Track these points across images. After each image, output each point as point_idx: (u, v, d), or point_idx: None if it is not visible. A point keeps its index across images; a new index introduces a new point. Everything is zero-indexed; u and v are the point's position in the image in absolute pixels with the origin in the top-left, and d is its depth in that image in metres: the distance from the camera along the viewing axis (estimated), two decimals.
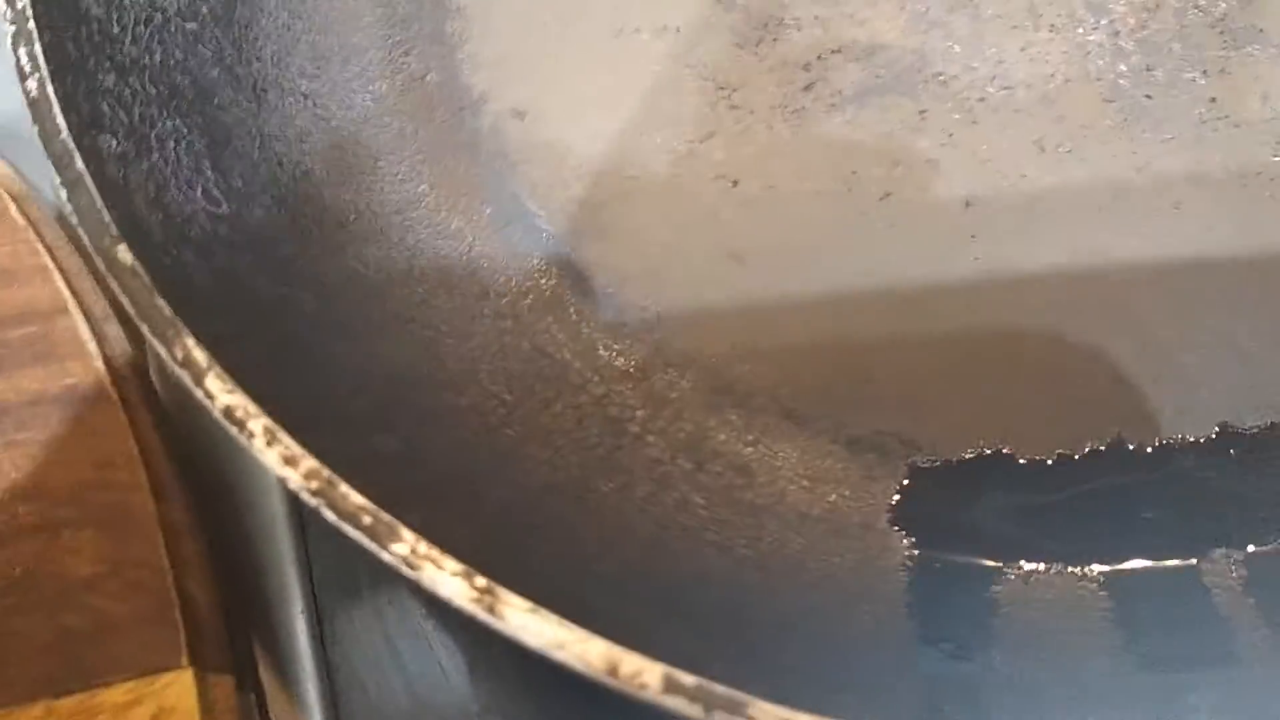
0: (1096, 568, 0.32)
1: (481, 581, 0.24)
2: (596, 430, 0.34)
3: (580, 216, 0.37)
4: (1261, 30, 0.36)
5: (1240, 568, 0.32)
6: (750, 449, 0.35)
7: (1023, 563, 0.32)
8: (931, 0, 0.37)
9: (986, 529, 0.33)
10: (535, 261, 0.37)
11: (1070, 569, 0.32)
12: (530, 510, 0.31)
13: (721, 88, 0.37)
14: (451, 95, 0.38)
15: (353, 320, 0.34)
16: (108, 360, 0.33)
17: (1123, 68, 0.36)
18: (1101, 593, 0.32)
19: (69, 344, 0.33)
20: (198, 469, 0.36)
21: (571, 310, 0.36)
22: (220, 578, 0.33)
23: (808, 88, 0.37)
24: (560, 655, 0.23)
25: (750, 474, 0.34)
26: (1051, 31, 0.36)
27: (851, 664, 0.30)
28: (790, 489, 0.34)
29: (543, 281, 0.37)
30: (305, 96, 0.37)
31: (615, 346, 0.36)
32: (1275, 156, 0.35)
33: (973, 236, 0.35)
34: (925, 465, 0.34)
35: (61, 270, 0.34)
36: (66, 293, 0.33)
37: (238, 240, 0.33)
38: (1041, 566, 0.32)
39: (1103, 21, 0.36)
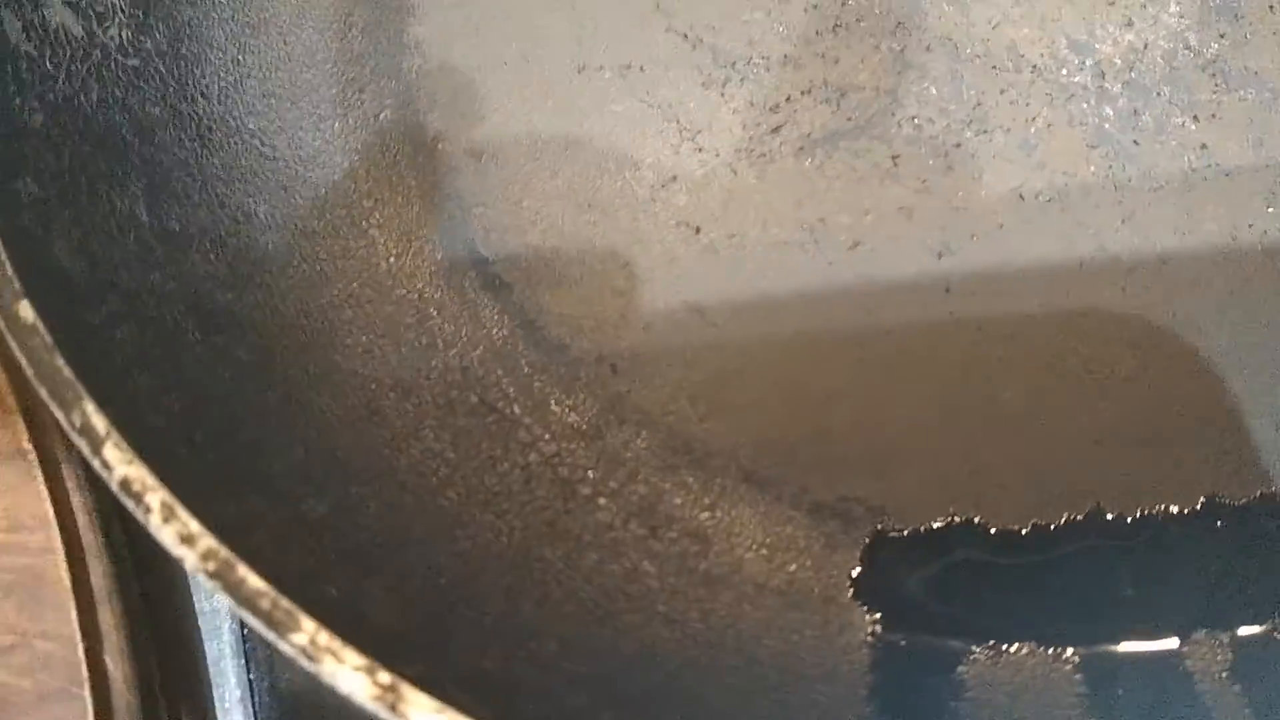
0: (1071, 649, 0.30)
1: (385, 678, 0.22)
2: (544, 492, 0.32)
3: (535, 263, 0.35)
4: (1255, 72, 0.34)
5: (1225, 651, 0.30)
6: (707, 514, 0.33)
7: (992, 642, 0.30)
8: (907, 39, 0.35)
9: (954, 604, 0.31)
10: (487, 311, 0.35)
11: (1043, 649, 0.30)
12: (466, 580, 0.30)
13: (685, 129, 0.35)
14: (405, 135, 0.36)
15: (289, 372, 0.32)
16: (28, 415, 0.31)
17: (1108, 111, 0.34)
18: (1076, 676, 0.30)
19: None
20: (137, 531, 0.34)
21: (523, 363, 0.34)
22: (144, 649, 0.31)
23: (775, 130, 0.35)
24: None
25: (706, 541, 0.32)
26: (1033, 73, 0.35)
27: None
28: (748, 558, 0.32)
29: (494, 332, 0.35)
30: (252, 135, 0.36)
31: (568, 401, 0.34)
32: (1269, 208, 0.33)
33: (946, 290, 0.34)
34: (891, 534, 0.32)
35: None
36: None
37: (170, 288, 0.31)
38: (1012, 647, 0.31)
39: (1088, 62, 0.34)
